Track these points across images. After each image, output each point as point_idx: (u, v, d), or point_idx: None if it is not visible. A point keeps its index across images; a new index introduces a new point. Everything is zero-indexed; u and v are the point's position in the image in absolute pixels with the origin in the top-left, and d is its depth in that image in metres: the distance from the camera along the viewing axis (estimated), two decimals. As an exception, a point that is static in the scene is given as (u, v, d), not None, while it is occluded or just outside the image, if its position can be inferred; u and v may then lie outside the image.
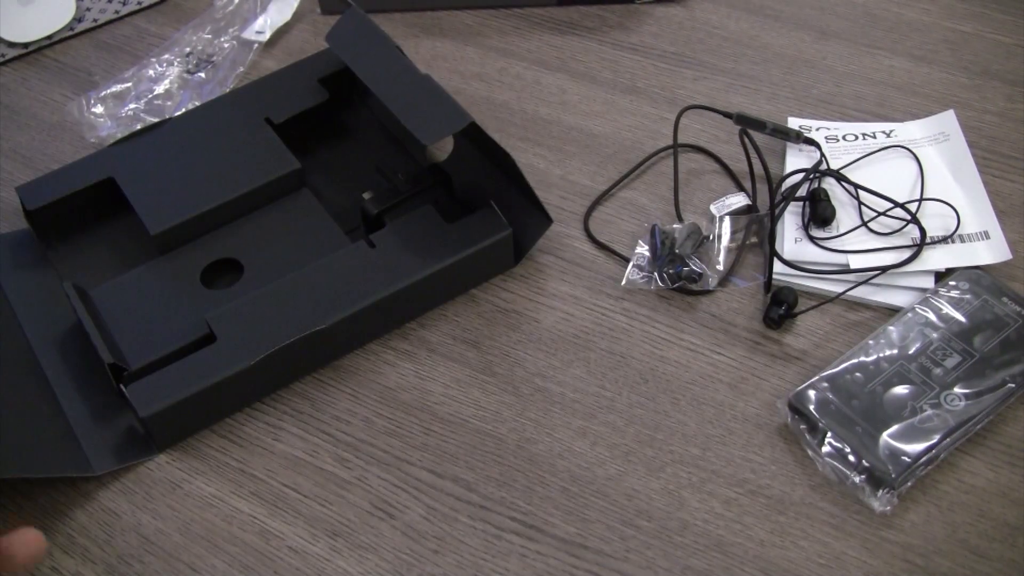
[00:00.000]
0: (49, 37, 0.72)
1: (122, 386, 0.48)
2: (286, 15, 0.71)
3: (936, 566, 0.44)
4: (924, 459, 0.45)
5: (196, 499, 0.48)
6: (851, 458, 0.46)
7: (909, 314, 0.50)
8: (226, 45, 0.69)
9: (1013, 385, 0.47)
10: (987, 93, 0.64)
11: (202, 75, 0.68)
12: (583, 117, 0.65)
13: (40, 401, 0.49)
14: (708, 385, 0.51)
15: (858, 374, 0.48)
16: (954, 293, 0.51)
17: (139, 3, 0.75)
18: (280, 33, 0.71)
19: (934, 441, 0.45)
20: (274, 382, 0.51)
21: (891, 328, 0.50)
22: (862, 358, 0.49)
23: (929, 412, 0.46)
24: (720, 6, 0.72)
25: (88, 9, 0.74)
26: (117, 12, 0.74)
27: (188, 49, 0.69)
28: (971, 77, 0.65)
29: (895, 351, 0.49)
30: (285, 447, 0.50)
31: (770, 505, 0.46)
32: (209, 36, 0.70)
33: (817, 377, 0.48)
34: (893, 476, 0.45)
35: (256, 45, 0.70)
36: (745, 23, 0.70)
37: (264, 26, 0.70)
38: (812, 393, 0.48)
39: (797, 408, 0.47)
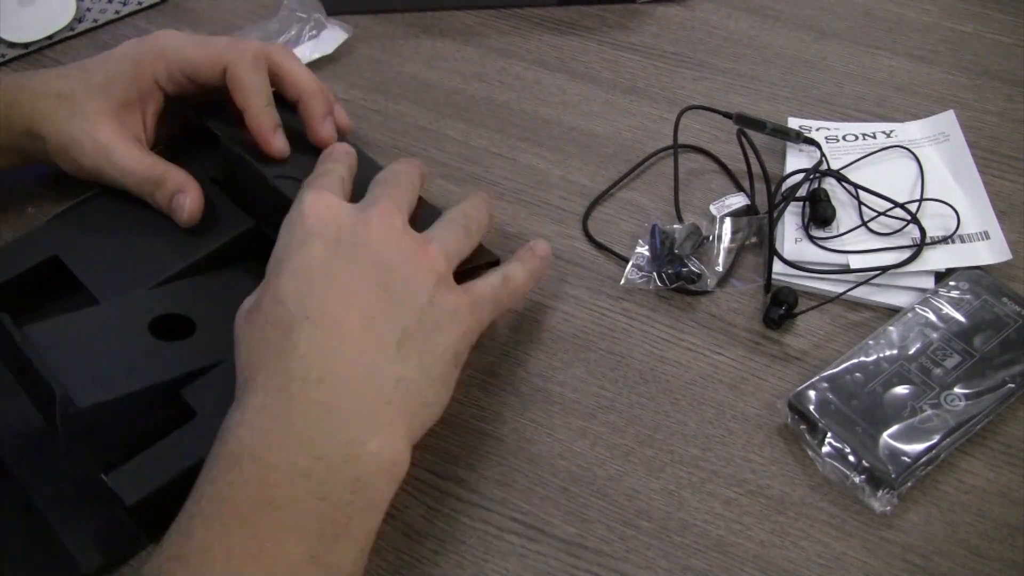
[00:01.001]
0: (49, 37, 0.72)
1: (103, 476, 0.43)
2: (329, 47, 0.70)
3: (936, 566, 0.44)
4: (924, 459, 0.45)
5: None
6: (851, 458, 0.46)
7: (909, 314, 0.50)
8: None
9: (1013, 385, 0.47)
10: (987, 93, 0.64)
11: None
12: (583, 117, 0.65)
13: (4, 494, 0.45)
14: (708, 385, 0.51)
15: (858, 374, 0.48)
16: (954, 293, 0.51)
17: (139, 3, 0.75)
18: (321, 62, 0.70)
19: (934, 441, 0.46)
20: None
21: (891, 328, 0.50)
22: (862, 358, 0.49)
23: (929, 412, 0.46)
24: (720, 6, 0.72)
25: (88, 9, 0.74)
26: (117, 12, 0.74)
27: None
28: (971, 77, 0.65)
29: (895, 351, 0.49)
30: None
31: (770, 505, 0.46)
32: None
33: (817, 377, 0.48)
34: (893, 476, 0.45)
35: None
36: (745, 23, 0.70)
37: (303, 54, 0.69)
38: (812, 393, 0.48)
39: (797, 408, 0.48)
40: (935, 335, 0.49)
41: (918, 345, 0.49)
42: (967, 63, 0.66)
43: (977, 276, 0.52)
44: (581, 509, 0.47)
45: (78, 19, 0.73)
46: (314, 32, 0.71)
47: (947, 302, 0.51)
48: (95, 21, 0.73)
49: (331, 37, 0.70)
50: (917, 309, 0.51)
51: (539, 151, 0.63)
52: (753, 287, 0.55)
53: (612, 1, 0.72)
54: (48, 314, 0.48)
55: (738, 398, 0.50)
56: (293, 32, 0.71)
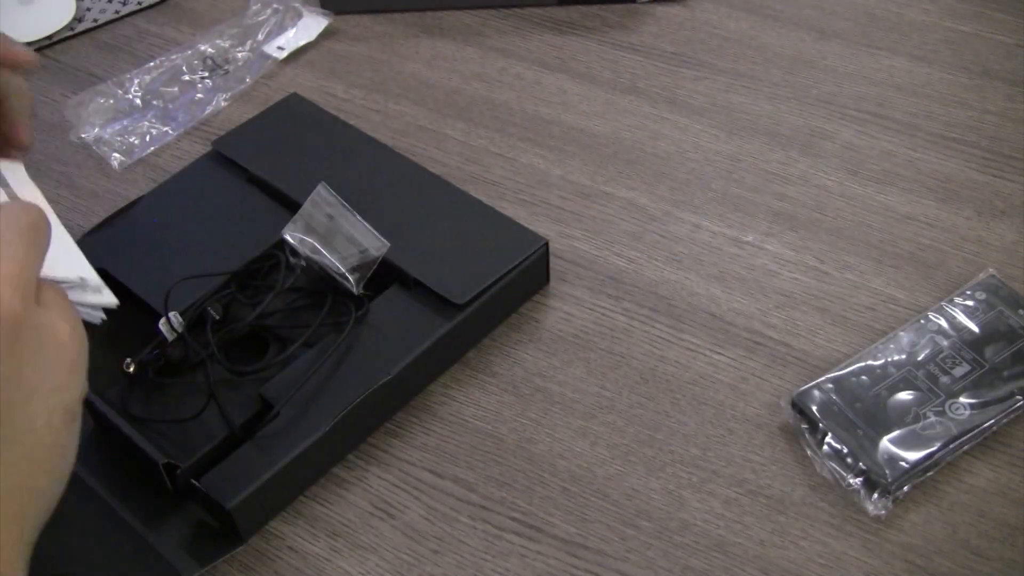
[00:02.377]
0: (49, 37, 0.72)
1: (194, 480, 0.44)
2: (312, 34, 0.70)
3: (936, 566, 0.44)
4: (922, 466, 0.45)
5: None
6: (849, 460, 0.46)
7: (921, 320, 0.50)
8: (240, 55, 0.69)
9: (1021, 399, 0.47)
10: (987, 93, 0.64)
11: (209, 82, 0.68)
12: (583, 117, 0.65)
13: (98, 515, 0.45)
14: (708, 385, 0.51)
15: (864, 377, 0.48)
16: (969, 302, 0.51)
17: (139, 3, 0.75)
18: (302, 50, 0.70)
19: (934, 449, 0.45)
20: (349, 443, 0.49)
21: (902, 333, 0.50)
22: (870, 361, 0.49)
23: (932, 419, 0.46)
24: (720, 6, 0.72)
25: (88, 9, 0.74)
26: (117, 12, 0.74)
27: (204, 48, 0.69)
28: (971, 77, 0.65)
29: (903, 356, 0.49)
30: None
31: (770, 505, 0.46)
32: (227, 45, 0.70)
33: (824, 377, 0.48)
34: (889, 481, 0.45)
35: (270, 60, 0.69)
36: (745, 23, 0.70)
37: (287, 42, 0.70)
38: (816, 393, 0.48)
39: (800, 407, 0.47)
40: (946, 343, 0.49)
41: (927, 351, 0.49)
42: (967, 63, 0.66)
43: (995, 286, 0.52)
44: (581, 509, 0.47)
45: (78, 19, 0.74)
46: (294, 22, 0.71)
47: (961, 310, 0.50)
48: (95, 21, 0.73)
49: (309, 25, 0.71)
50: (930, 315, 0.50)
51: (539, 151, 0.63)
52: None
53: (612, 1, 0.72)
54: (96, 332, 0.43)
55: (738, 398, 0.50)
56: (272, 22, 0.71)
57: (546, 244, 0.53)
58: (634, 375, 0.51)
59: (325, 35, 0.71)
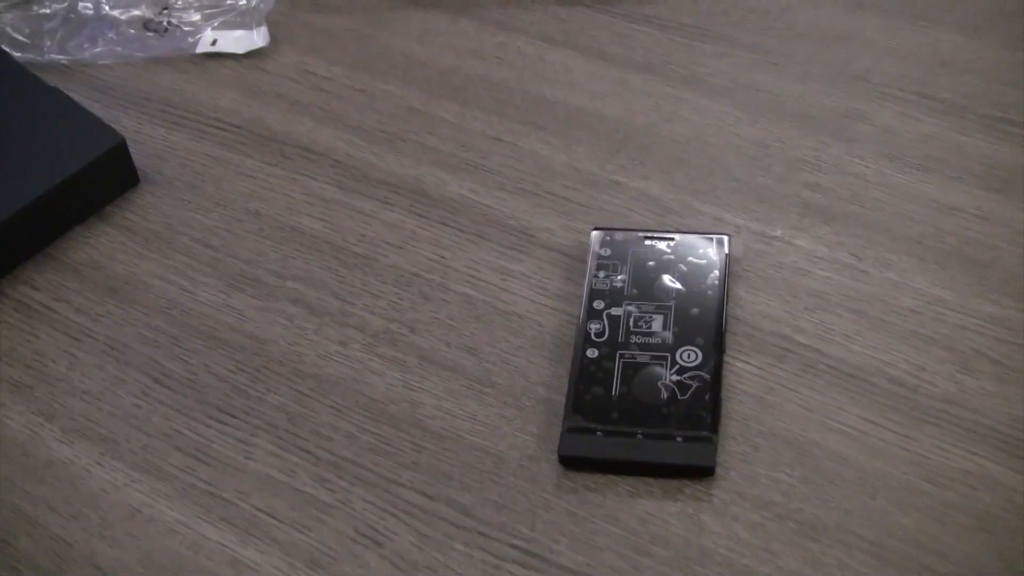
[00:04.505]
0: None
1: None
2: (241, 47, 0.69)
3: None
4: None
5: (159, 525, 0.48)
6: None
7: (585, 318, 0.52)
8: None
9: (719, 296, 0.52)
10: (1043, 70, 0.64)
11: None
12: (592, 98, 0.65)
13: None
14: (730, 396, 0.50)
15: (596, 388, 0.49)
16: (605, 260, 0.54)
17: None
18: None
19: (711, 405, 0.49)
20: None
21: (586, 323, 0.52)
22: (587, 370, 0.50)
23: (679, 379, 0.49)
24: (744, -26, 0.71)
25: None
26: None
27: None
28: (1025, 52, 0.65)
29: (607, 345, 0.51)
30: (258, 466, 0.50)
31: (801, 531, 0.46)
32: None
33: (563, 422, 0.49)
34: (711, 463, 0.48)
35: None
36: (772, -7, 0.70)
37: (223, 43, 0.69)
38: (575, 439, 0.48)
39: (573, 461, 0.48)
40: (621, 308, 0.52)
41: (617, 326, 0.52)
42: (1023, 36, 0.66)
43: (606, 232, 0.56)
44: (589, 535, 0.46)
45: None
46: (248, 24, 0.69)
47: (605, 273, 0.54)
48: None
49: (244, 39, 0.69)
50: (589, 301, 0.53)
51: (542, 136, 0.63)
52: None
53: (624, -31, 0.72)
54: None
55: (764, 411, 0.50)
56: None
57: (122, 140, 0.58)
58: (649, 385, 0.51)
59: (305, 7, 0.71)
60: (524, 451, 0.49)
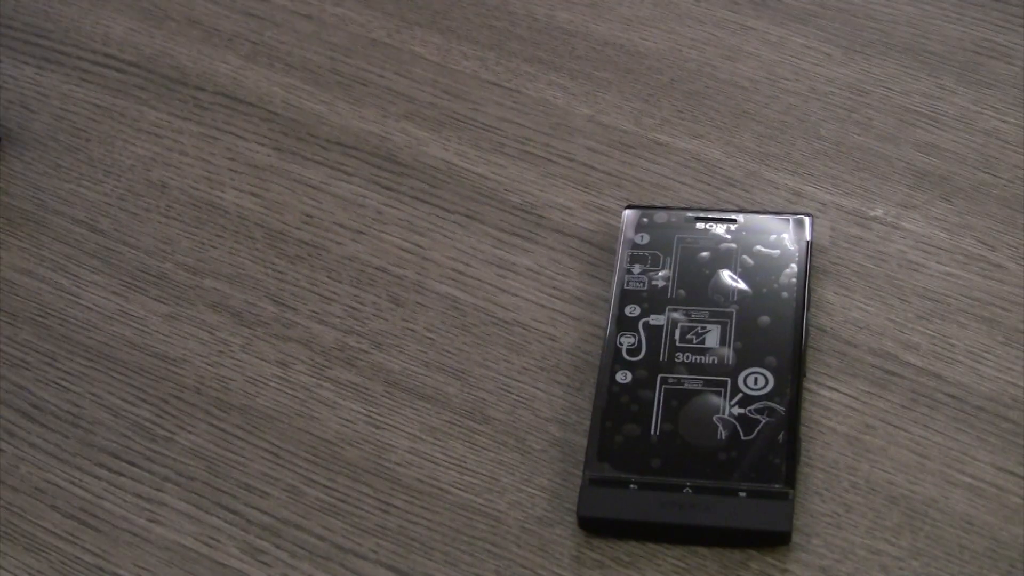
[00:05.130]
0: None
1: None
2: None
3: None
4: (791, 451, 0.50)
5: (31, 611, 0.49)
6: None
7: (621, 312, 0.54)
8: None
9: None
10: None
11: None
12: (624, 27, 0.66)
13: None
14: (815, 437, 0.51)
15: (631, 425, 0.50)
16: (641, 251, 0.55)
17: None
18: None
19: (786, 448, 0.49)
20: None
21: (616, 337, 0.53)
22: (616, 400, 0.51)
23: (741, 411, 0.50)
24: None
25: None
26: None
27: None
28: None
29: (643, 366, 0.52)
30: (167, 532, 0.50)
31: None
32: None
33: (584, 466, 0.50)
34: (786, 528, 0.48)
35: None
36: None
37: None
38: (598, 493, 0.49)
39: (594, 523, 0.49)
40: (663, 316, 0.53)
41: (659, 340, 0.53)
42: None
43: (643, 215, 0.57)
44: (619, 626, 0.47)
45: None
46: None
47: (641, 267, 0.55)
48: None
49: None
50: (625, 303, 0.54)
51: (556, 78, 0.64)
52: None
53: None
54: None
55: (861, 458, 0.51)
56: None
57: None
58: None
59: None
60: (531, 511, 0.50)
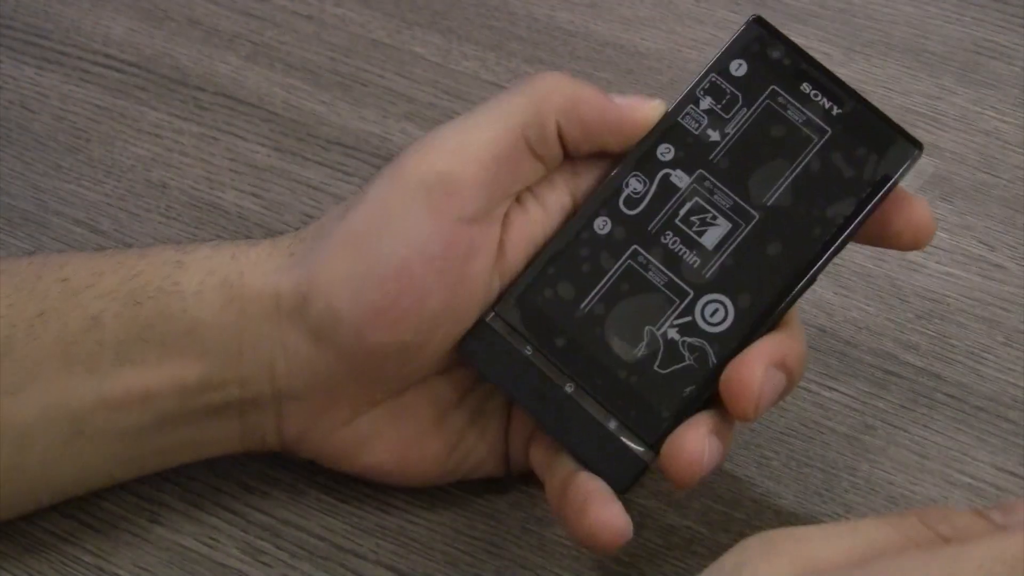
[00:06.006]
0: None
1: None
2: None
3: None
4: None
5: (31, 611, 0.49)
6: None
7: (656, 146, 0.44)
8: None
9: (813, 266, 0.43)
10: None
11: None
12: (624, 26, 0.66)
13: None
14: (813, 436, 0.51)
15: (565, 283, 0.44)
16: (724, 84, 0.44)
17: None
18: None
19: (683, 404, 0.43)
20: None
21: (624, 175, 0.44)
22: (575, 247, 0.44)
23: (676, 339, 0.43)
24: None
25: None
26: None
27: None
28: None
29: (629, 224, 0.44)
30: (167, 532, 0.50)
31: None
32: None
33: (505, 298, 0.45)
34: (623, 487, 0.43)
35: None
36: None
37: None
38: (493, 329, 0.44)
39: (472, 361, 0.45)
40: (688, 178, 0.44)
41: (663, 205, 0.44)
42: None
43: (760, 38, 0.44)
44: (620, 626, 0.48)
45: None
46: None
47: (712, 102, 0.44)
48: None
49: None
50: (677, 123, 0.45)
51: (556, 78, 0.64)
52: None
53: None
54: None
55: (860, 457, 0.51)
56: None
57: None
58: (701, 422, 0.52)
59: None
60: (531, 511, 0.50)
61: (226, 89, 0.65)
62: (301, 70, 0.66)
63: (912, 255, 0.56)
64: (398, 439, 0.48)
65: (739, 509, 0.50)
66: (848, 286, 0.56)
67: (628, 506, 0.50)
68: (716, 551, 0.48)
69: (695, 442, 0.41)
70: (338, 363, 0.45)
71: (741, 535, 0.49)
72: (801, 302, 0.54)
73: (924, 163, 0.45)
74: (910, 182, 0.44)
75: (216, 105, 0.65)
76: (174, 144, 0.63)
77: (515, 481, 0.51)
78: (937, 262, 0.56)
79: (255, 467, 0.52)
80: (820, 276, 0.44)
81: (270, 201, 0.61)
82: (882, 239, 0.45)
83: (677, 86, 0.63)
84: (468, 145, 0.44)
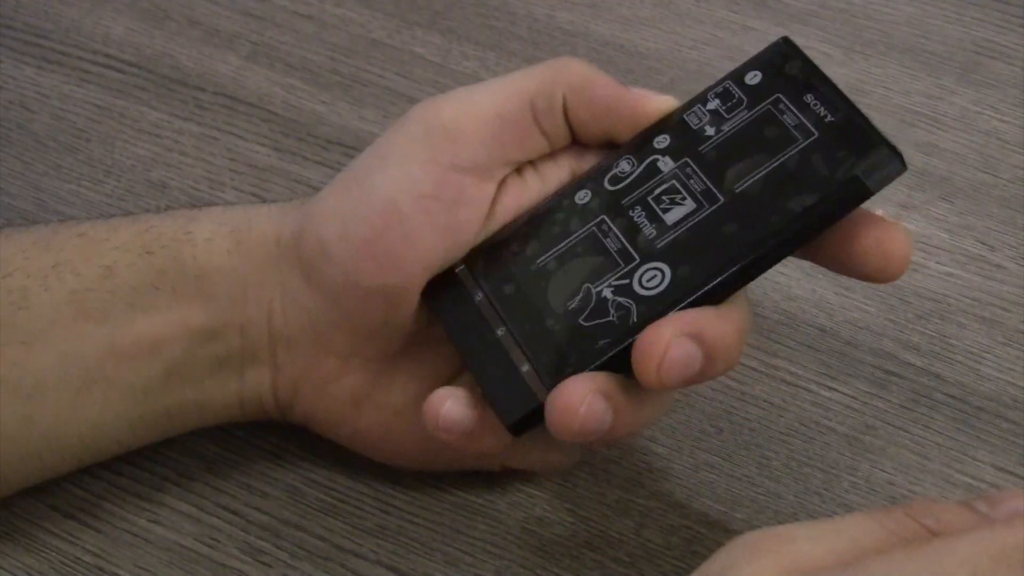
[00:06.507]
0: None
1: None
2: None
3: None
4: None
5: (30, 613, 0.49)
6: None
7: (661, 136, 0.46)
8: None
9: (756, 253, 0.42)
10: None
11: None
12: (624, 27, 0.66)
13: None
14: (814, 437, 0.51)
15: (533, 241, 0.46)
16: (735, 89, 0.46)
17: None
18: None
19: (592, 356, 0.43)
20: None
21: (619, 158, 0.47)
22: (553, 213, 0.46)
23: (608, 297, 0.44)
24: None
25: None
26: None
27: None
28: None
29: (605, 196, 0.46)
30: (167, 532, 0.51)
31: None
32: None
33: (477, 248, 0.46)
34: (511, 420, 0.43)
35: None
36: None
37: None
38: (460, 274, 0.46)
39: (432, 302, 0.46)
40: (674, 163, 0.46)
41: (642, 184, 0.46)
42: None
43: (783, 55, 0.46)
44: (620, 626, 0.48)
45: None
46: None
47: (718, 105, 0.46)
48: None
49: None
50: (684, 118, 0.47)
51: (556, 78, 0.64)
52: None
53: None
54: None
55: (860, 456, 0.51)
56: None
57: None
58: (701, 420, 0.52)
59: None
60: (531, 511, 0.50)
61: (226, 89, 0.65)
62: (301, 70, 0.66)
63: (912, 256, 0.56)
64: (387, 406, 0.48)
65: (739, 509, 0.50)
66: (848, 286, 0.56)
67: (628, 506, 0.50)
68: (716, 551, 0.49)
69: (575, 393, 0.41)
70: (326, 303, 0.46)
71: (741, 535, 0.49)
72: (801, 302, 0.55)
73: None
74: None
75: (216, 105, 0.65)
76: (174, 144, 0.63)
77: (515, 481, 0.51)
78: (937, 262, 0.57)
79: (255, 467, 0.52)
80: (779, 267, 0.43)
81: (270, 201, 0.61)
82: (849, 258, 0.43)
83: (677, 86, 0.63)
84: (475, 102, 0.46)
